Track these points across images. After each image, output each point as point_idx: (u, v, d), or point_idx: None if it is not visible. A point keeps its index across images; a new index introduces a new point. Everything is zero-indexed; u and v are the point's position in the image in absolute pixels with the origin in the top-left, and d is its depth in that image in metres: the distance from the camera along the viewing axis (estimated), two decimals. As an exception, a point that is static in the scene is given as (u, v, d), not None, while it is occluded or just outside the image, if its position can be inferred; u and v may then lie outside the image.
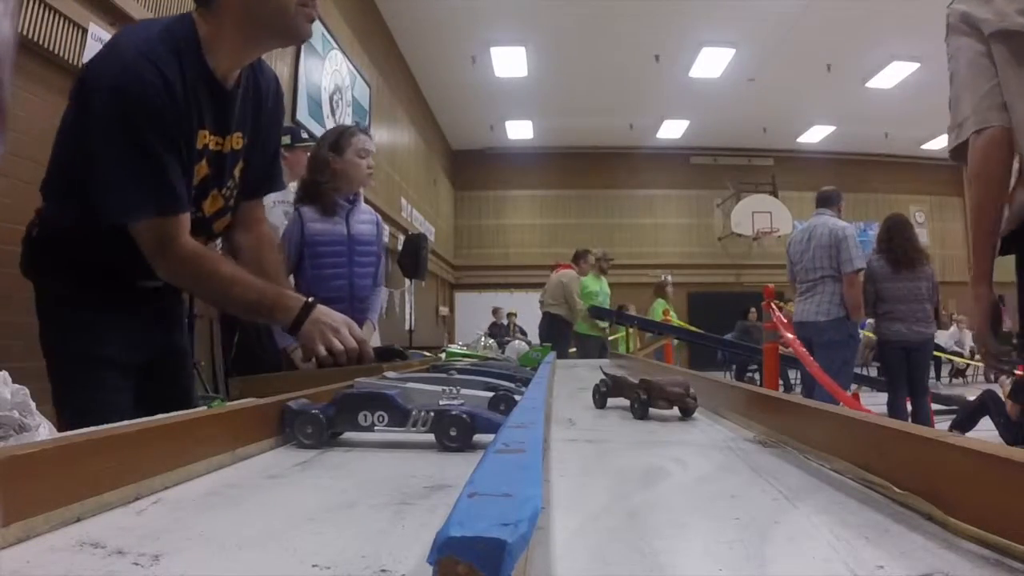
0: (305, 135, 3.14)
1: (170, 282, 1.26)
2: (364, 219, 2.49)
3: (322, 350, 1.23)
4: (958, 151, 1.53)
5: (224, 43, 1.18)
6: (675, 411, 1.01)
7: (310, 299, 1.28)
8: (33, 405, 0.73)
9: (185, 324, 1.55)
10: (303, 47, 5.77)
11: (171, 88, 1.10)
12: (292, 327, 1.26)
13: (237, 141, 1.31)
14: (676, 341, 7.26)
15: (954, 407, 5.75)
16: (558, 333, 6.06)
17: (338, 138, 2.38)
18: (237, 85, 1.27)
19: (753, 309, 9.67)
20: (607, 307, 6.41)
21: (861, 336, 5.25)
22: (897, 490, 0.48)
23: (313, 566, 0.36)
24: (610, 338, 6.60)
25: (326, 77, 6.42)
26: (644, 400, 1.01)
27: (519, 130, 13.17)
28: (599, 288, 6.46)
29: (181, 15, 1.18)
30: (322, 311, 1.27)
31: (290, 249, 2.32)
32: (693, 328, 8.23)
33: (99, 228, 1.15)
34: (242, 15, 1.15)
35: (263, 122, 1.36)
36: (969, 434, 3.61)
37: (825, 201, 4.31)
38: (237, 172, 1.35)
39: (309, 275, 2.34)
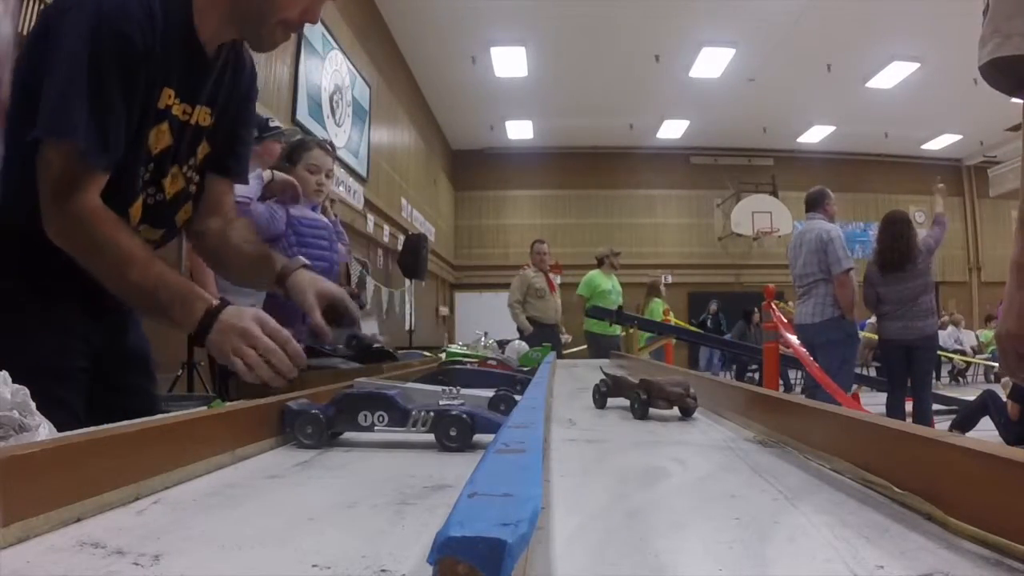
0: (275, 124, 3.11)
1: (58, 243, 1.02)
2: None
3: (238, 364, 0.99)
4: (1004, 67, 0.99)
5: (214, 10, 1.10)
6: (675, 411, 1.01)
7: (216, 302, 1.04)
8: (33, 405, 0.72)
9: (137, 321, 1.33)
10: (303, 46, 5.77)
11: (150, 29, 1.01)
12: (197, 334, 1.02)
13: (204, 116, 1.19)
14: (675, 340, 7.23)
15: (954, 407, 5.75)
16: (536, 337, 5.86)
17: (294, 150, 2.45)
18: (216, 57, 1.17)
19: (756, 310, 9.61)
20: (620, 304, 6.19)
21: (861, 336, 5.25)
22: (897, 490, 0.48)
23: (313, 566, 0.36)
24: (620, 334, 6.39)
25: (326, 77, 6.42)
26: (644, 400, 1.01)
27: (519, 130, 13.17)
28: (611, 286, 6.27)
29: None
30: (231, 314, 1.03)
31: (274, 230, 2.30)
32: (693, 328, 8.24)
33: (29, 188, 1.01)
34: None
35: (233, 103, 1.25)
36: (969, 434, 3.61)
37: (812, 204, 4.34)
38: (200, 152, 1.22)
39: (295, 252, 2.36)
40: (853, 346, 4.26)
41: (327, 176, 2.49)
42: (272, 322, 1.03)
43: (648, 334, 6.84)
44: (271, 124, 2.94)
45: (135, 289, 1.03)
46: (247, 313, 1.04)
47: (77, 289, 1.13)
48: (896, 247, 4.17)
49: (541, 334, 5.82)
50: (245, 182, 1.39)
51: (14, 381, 1.06)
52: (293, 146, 2.48)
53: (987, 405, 4.64)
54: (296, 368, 1.02)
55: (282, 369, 0.99)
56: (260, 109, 1.44)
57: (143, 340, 1.35)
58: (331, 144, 2.80)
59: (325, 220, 2.50)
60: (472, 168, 14.07)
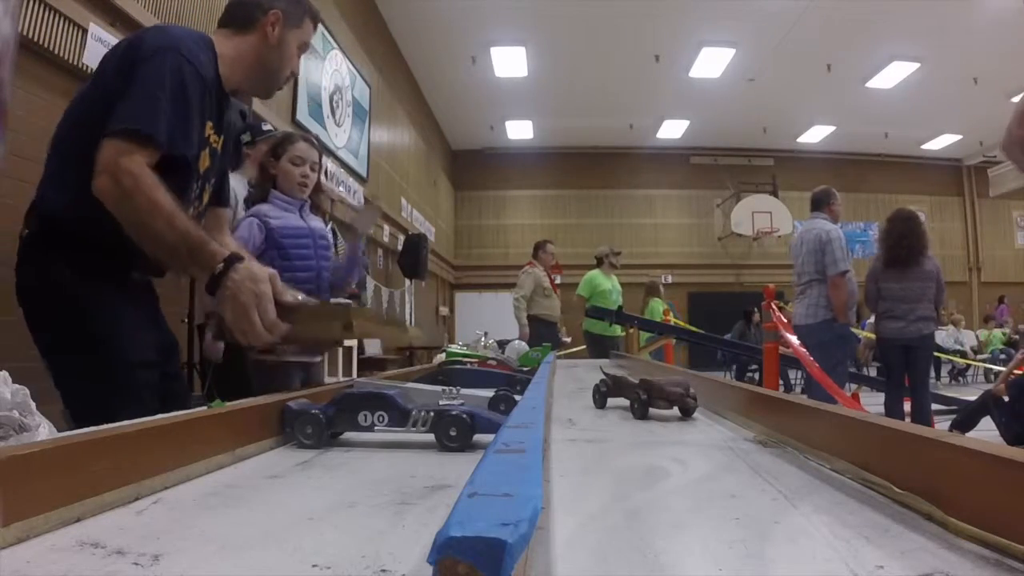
0: (268, 128, 3.10)
1: (101, 194, 1.14)
2: (316, 218, 2.55)
3: (240, 333, 1.09)
4: None
5: (236, 66, 1.39)
6: (675, 411, 1.01)
7: (225, 257, 1.13)
8: (33, 405, 0.72)
9: (165, 320, 1.54)
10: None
11: (209, 71, 1.29)
12: (210, 283, 1.12)
13: (219, 144, 1.44)
14: (674, 340, 7.21)
15: (954, 407, 5.75)
16: (537, 335, 5.80)
17: (277, 145, 2.44)
18: (228, 99, 1.44)
19: (756, 311, 9.57)
20: (620, 304, 6.12)
21: (860, 337, 5.24)
22: (897, 490, 0.48)
23: (313, 566, 0.36)
24: (620, 335, 6.34)
25: (326, 77, 6.42)
26: (644, 400, 1.01)
27: (519, 130, 13.16)
28: (611, 285, 6.22)
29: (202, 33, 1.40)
30: (246, 271, 1.11)
31: (251, 249, 2.28)
32: (693, 328, 8.23)
33: (94, 208, 1.18)
34: (258, 52, 1.40)
35: (230, 138, 1.53)
36: (969, 434, 3.61)
37: (817, 203, 4.31)
38: (215, 175, 1.47)
39: (278, 265, 2.33)
40: (844, 348, 4.22)
41: (312, 169, 2.47)
42: (279, 284, 1.14)
43: (648, 334, 6.82)
44: (264, 128, 2.93)
45: (159, 236, 1.14)
46: (260, 273, 1.13)
47: (135, 288, 1.38)
48: (904, 244, 4.14)
49: (545, 332, 5.83)
50: (228, 206, 1.64)
51: (119, 368, 1.20)
52: (278, 141, 2.46)
53: (987, 405, 4.63)
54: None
55: (264, 336, 1.09)
56: (259, 110, 1.56)
57: (173, 334, 1.59)
58: (317, 138, 2.78)
59: (308, 226, 2.43)
60: (472, 168, 14.07)
